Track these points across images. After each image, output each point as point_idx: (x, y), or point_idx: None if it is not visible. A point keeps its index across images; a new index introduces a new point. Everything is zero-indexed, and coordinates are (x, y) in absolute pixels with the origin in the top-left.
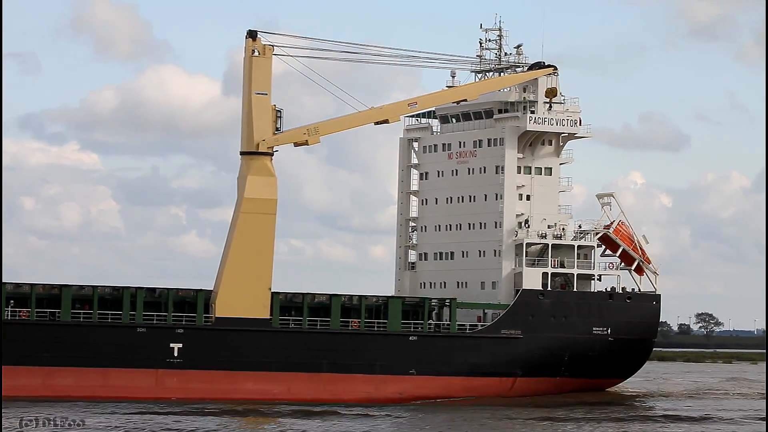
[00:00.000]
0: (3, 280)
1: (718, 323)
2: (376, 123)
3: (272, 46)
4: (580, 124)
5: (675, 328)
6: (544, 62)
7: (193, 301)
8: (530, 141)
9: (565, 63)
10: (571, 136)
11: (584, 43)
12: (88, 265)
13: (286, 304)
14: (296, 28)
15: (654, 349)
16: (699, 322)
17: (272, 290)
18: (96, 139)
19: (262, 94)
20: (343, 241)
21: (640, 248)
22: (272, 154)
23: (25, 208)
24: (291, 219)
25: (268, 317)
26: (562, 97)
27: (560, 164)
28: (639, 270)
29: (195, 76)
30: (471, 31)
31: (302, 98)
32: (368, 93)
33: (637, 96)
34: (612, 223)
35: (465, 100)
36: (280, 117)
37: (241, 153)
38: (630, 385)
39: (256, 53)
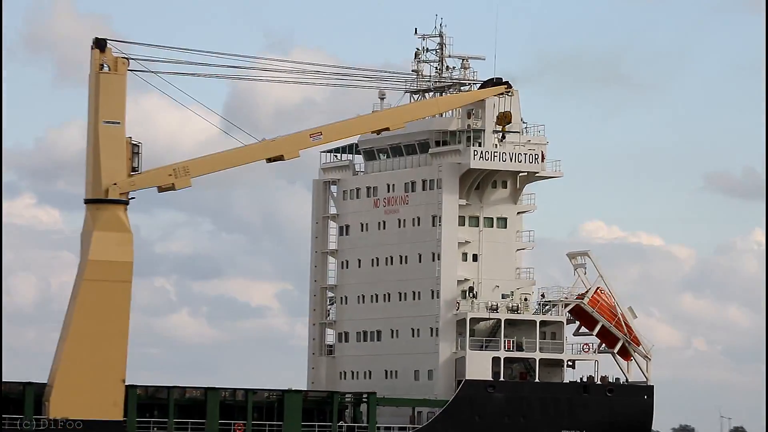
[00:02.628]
0: None
1: None
2: (269, 160)
3: (127, 59)
4: (543, 160)
5: None
6: (501, 78)
7: (20, 397)
8: (477, 183)
9: None
10: (532, 176)
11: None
12: (48, 353)
13: (147, 400)
14: (312, 47)
15: None
16: None
17: (127, 383)
18: (57, 191)
19: (113, 123)
20: None
21: (626, 324)
22: (127, 202)
23: None
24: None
25: (121, 419)
26: (524, 125)
27: (518, 213)
28: (624, 353)
29: (187, 108)
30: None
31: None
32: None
33: (760, 129)
34: (587, 291)
35: (387, 129)
36: (138, 153)
37: (86, 201)
38: None
39: (106, 68)
